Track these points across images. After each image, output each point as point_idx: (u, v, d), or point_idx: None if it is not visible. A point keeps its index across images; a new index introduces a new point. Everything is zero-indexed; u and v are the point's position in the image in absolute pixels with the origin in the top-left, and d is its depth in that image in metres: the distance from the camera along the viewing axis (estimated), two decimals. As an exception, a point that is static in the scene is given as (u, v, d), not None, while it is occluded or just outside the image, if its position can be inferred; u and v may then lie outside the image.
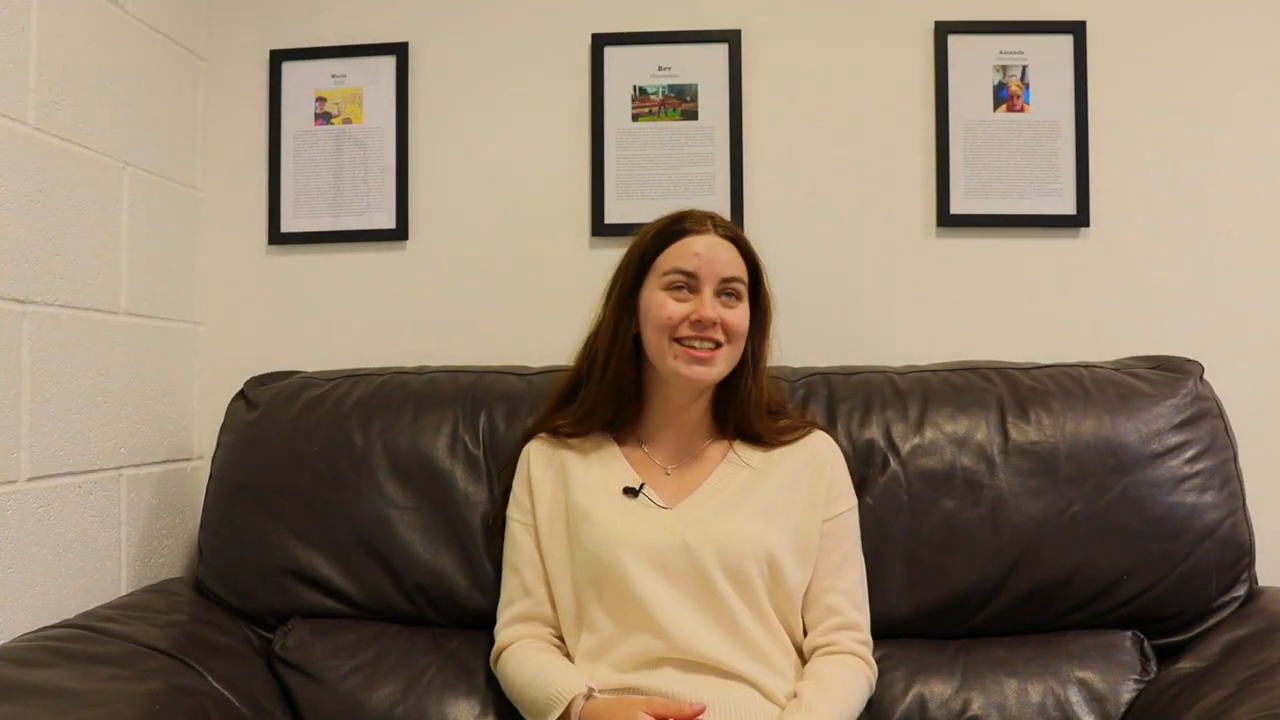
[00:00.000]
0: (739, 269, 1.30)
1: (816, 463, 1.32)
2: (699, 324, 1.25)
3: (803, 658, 1.28)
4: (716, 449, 1.35)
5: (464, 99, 1.83)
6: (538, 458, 1.37)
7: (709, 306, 1.25)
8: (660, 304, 1.27)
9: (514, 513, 1.37)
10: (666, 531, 1.24)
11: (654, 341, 1.28)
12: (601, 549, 1.24)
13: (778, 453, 1.33)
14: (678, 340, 1.26)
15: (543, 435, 1.38)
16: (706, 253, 1.27)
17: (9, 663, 1.15)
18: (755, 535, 1.24)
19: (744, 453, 1.33)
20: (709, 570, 1.22)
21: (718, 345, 1.27)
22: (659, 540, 1.24)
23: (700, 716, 1.14)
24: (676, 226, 1.31)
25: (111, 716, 1.10)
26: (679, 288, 1.27)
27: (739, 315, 1.29)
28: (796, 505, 1.29)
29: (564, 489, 1.33)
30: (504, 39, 1.83)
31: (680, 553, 1.23)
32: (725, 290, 1.28)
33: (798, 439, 1.34)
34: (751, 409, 1.33)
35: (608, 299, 1.35)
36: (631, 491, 1.30)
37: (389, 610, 1.46)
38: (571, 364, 1.40)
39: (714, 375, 1.28)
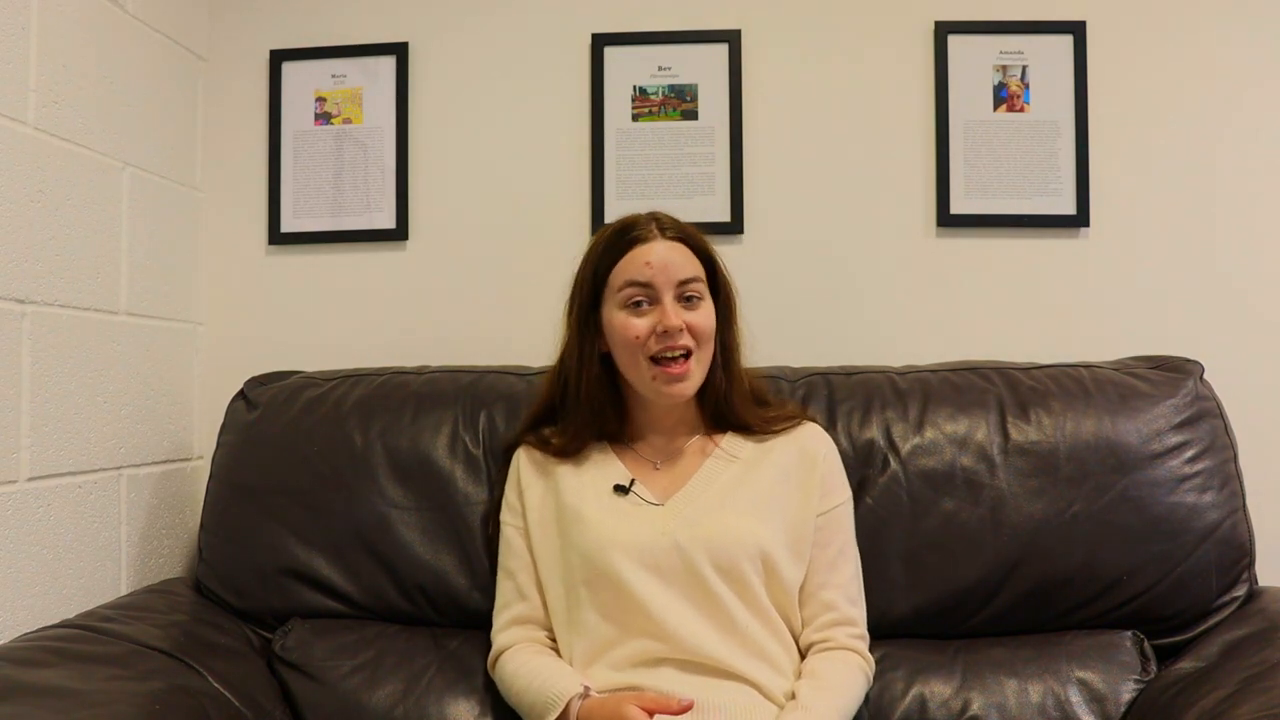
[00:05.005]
0: (694, 268, 1.28)
1: (809, 456, 1.31)
2: (665, 334, 1.24)
3: (802, 653, 1.28)
4: (706, 442, 1.34)
5: (464, 99, 1.83)
6: (527, 462, 1.37)
7: (672, 314, 1.24)
8: (624, 324, 1.26)
9: (506, 516, 1.37)
10: (658, 532, 1.24)
11: (627, 362, 1.28)
12: (593, 550, 1.24)
13: (768, 444, 1.32)
14: (652, 359, 1.25)
15: (531, 441, 1.38)
16: (658, 260, 1.25)
17: (9, 663, 1.15)
18: (748, 533, 1.23)
19: (734, 444, 1.33)
20: (702, 570, 1.22)
21: (688, 354, 1.26)
22: (651, 541, 1.23)
23: (690, 712, 1.13)
24: (624, 239, 1.28)
25: (111, 716, 1.09)
26: (638, 302, 1.26)
27: (703, 316, 1.27)
28: (789, 500, 1.28)
29: (554, 491, 1.32)
30: (504, 39, 1.83)
31: (672, 553, 1.23)
32: (685, 293, 1.27)
33: (789, 429, 1.34)
34: (736, 398, 1.32)
35: (569, 318, 1.33)
36: (622, 489, 1.29)
37: (389, 610, 1.46)
38: (546, 377, 1.40)
39: (691, 388, 1.27)
